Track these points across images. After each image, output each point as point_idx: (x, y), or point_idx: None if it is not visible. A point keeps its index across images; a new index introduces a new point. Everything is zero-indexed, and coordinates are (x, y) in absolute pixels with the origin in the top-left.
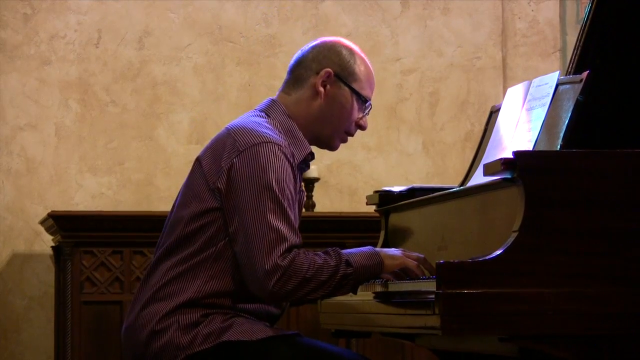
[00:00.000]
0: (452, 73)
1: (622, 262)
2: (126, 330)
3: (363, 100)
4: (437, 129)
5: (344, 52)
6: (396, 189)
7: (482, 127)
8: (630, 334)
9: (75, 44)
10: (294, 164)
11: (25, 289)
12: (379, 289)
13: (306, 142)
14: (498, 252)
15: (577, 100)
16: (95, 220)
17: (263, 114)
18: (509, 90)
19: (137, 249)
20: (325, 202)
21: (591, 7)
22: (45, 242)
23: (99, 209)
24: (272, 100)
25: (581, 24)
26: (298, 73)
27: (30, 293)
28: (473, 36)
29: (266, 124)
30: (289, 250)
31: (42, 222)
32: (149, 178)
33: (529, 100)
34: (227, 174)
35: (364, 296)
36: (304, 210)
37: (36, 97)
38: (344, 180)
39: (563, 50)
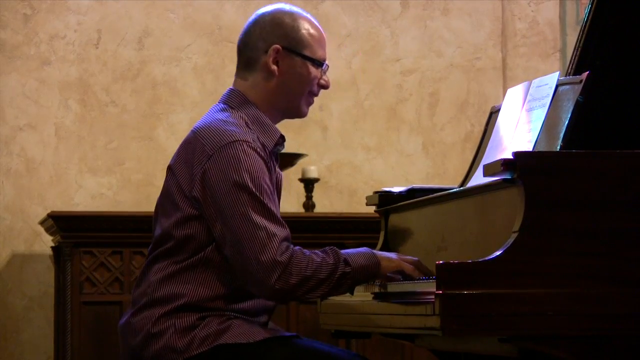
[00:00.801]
0: (452, 73)
1: (622, 262)
2: (122, 329)
3: (318, 63)
4: (437, 129)
5: (287, 20)
6: (396, 189)
7: (482, 128)
8: (630, 334)
9: (75, 44)
10: (265, 156)
11: (25, 289)
12: (378, 289)
13: (274, 126)
14: (498, 252)
15: (577, 100)
16: (95, 220)
17: (226, 106)
18: (509, 91)
19: (137, 249)
20: (325, 202)
21: (591, 7)
22: (45, 242)
23: (98, 209)
24: (231, 90)
25: (581, 24)
26: (247, 56)
27: (30, 293)
28: (473, 37)
29: (231, 119)
30: (282, 242)
31: (42, 223)
32: (148, 178)
33: (529, 101)
34: (201, 181)
35: (363, 297)
36: (303, 210)
37: (36, 98)
38: (344, 180)
39: (563, 50)
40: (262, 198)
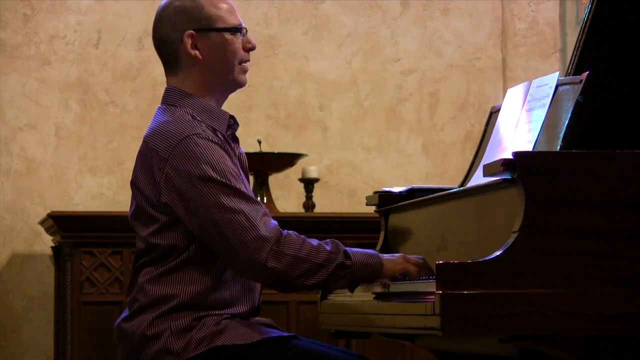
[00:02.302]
0: (452, 73)
1: (622, 262)
2: (118, 333)
3: (235, 30)
4: (437, 129)
5: (187, 4)
6: (396, 189)
7: (482, 128)
8: (630, 334)
9: (75, 45)
10: (219, 141)
11: (25, 289)
12: (378, 289)
13: (220, 110)
14: (498, 252)
15: (577, 100)
16: (95, 220)
17: (167, 106)
18: (509, 91)
19: None
20: (325, 202)
21: (591, 7)
22: (45, 242)
23: (98, 209)
24: (168, 89)
25: (581, 24)
26: (166, 52)
27: (30, 293)
28: (473, 37)
29: (176, 117)
30: (261, 219)
31: (42, 223)
32: None
33: (529, 101)
34: (166, 185)
35: (363, 296)
36: (303, 210)
37: (36, 98)
38: (344, 180)
39: (563, 50)
40: (229, 182)
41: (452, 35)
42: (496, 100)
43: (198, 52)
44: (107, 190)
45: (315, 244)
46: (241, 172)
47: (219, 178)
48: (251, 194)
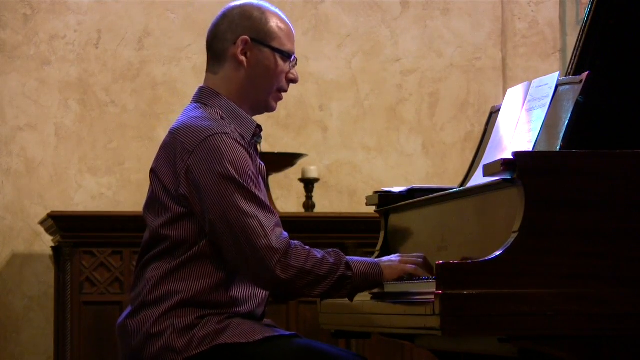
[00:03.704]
0: (452, 73)
1: (622, 262)
2: (120, 331)
3: (286, 56)
4: (437, 129)
5: (255, 13)
6: (396, 189)
7: (482, 128)
8: (630, 334)
9: (75, 45)
10: (245, 145)
11: (25, 290)
12: (378, 289)
13: (249, 117)
14: (498, 252)
15: (577, 101)
16: (95, 220)
17: (199, 104)
18: (509, 91)
19: (137, 250)
20: (325, 202)
21: (591, 7)
22: (45, 242)
23: (98, 209)
24: (201, 88)
25: (581, 24)
26: (216, 48)
27: (30, 293)
28: (473, 37)
29: (206, 116)
30: (274, 230)
31: (42, 223)
32: (148, 178)
33: (529, 101)
34: (186, 178)
35: (363, 297)
36: (303, 210)
37: (36, 98)
38: (344, 180)
39: (563, 50)
40: (248, 186)
41: (452, 35)
42: (496, 100)
43: (245, 60)
44: (107, 190)
45: (319, 256)
46: (261, 181)
47: (239, 179)
48: (267, 202)
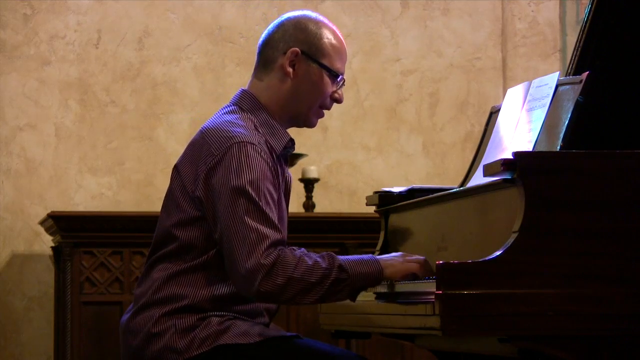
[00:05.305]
0: (452, 73)
1: (622, 262)
2: (123, 329)
3: (334, 75)
4: (437, 129)
5: (311, 27)
6: (396, 189)
7: (482, 128)
8: (630, 334)
9: (75, 44)
10: (270, 158)
11: (25, 290)
12: (378, 289)
13: (283, 130)
14: (498, 252)
15: (577, 101)
16: (95, 220)
17: (236, 107)
18: (509, 91)
19: (137, 250)
20: (325, 202)
21: (591, 7)
22: (45, 242)
23: (98, 209)
24: (243, 91)
25: (581, 24)
26: (266, 55)
27: (30, 293)
28: (473, 37)
29: (239, 121)
30: (271, 247)
31: (42, 223)
32: (148, 178)
33: (529, 101)
34: (204, 181)
35: (364, 297)
36: (303, 210)
37: (36, 98)
38: (344, 180)
39: (563, 50)
40: (259, 203)
41: (452, 35)
42: (496, 100)
43: (292, 71)
44: (107, 190)
45: (310, 262)
46: (282, 193)
47: (251, 194)
48: (275, 220)
